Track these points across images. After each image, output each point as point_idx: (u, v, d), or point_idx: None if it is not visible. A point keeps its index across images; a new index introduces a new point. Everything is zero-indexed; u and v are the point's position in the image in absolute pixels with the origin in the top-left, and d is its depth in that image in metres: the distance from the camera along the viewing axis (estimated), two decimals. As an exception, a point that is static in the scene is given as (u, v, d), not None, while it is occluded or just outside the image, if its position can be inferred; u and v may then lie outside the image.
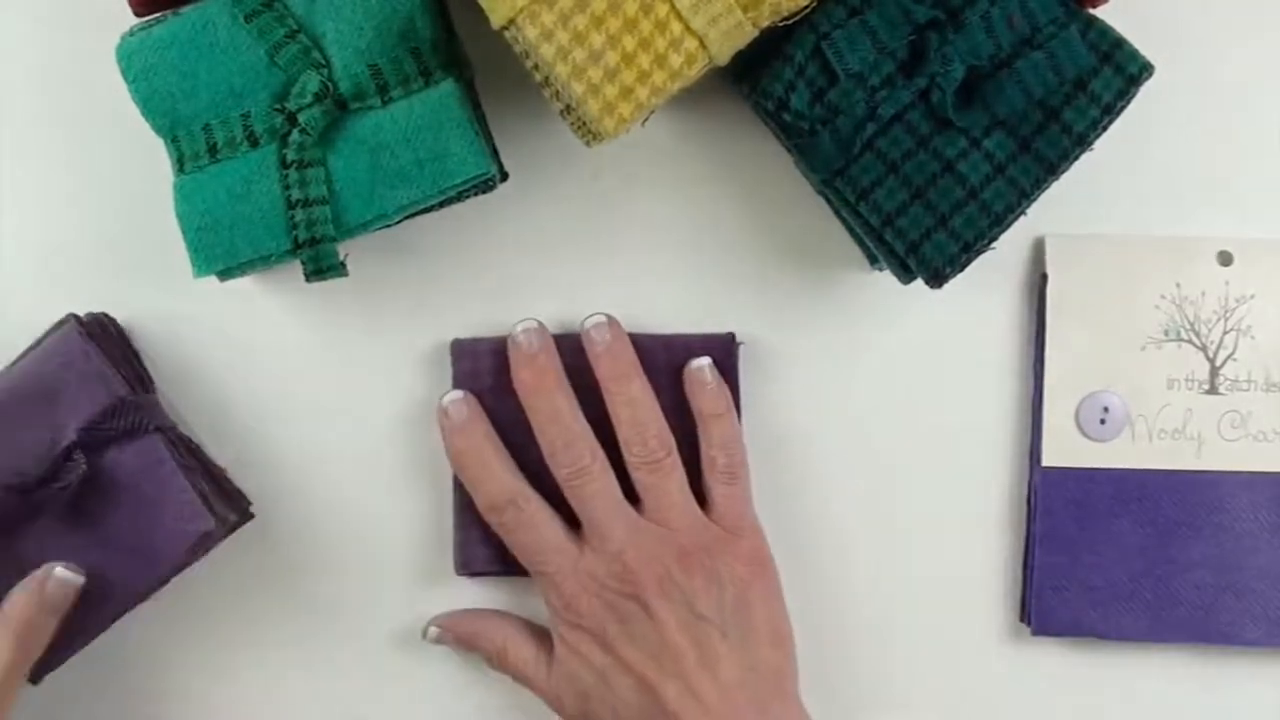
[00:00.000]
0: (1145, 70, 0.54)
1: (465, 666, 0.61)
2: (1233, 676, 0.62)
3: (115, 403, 0.55)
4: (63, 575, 0.54)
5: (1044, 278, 0.61)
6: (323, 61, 0.52)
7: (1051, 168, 0.54)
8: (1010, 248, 0.61)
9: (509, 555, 0.58)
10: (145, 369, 0.60)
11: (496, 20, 0.49)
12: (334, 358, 0.60)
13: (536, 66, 0.50)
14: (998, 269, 0.61)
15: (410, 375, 0.60)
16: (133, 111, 0.53)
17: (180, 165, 0.54)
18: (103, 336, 0.58)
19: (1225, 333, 0.60)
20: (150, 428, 0.56)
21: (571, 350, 0.59)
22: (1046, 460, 0.61)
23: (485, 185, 0.55)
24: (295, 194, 0.52)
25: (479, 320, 0.60)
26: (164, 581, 0.57)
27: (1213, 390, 0.60)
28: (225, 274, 0.55)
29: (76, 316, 0.58)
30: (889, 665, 0.62)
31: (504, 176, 0.57)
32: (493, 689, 0.61)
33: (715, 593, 0.56)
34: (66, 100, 0.59)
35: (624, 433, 0.57)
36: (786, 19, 0.51)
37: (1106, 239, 0.61)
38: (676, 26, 0.50)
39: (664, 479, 0.57)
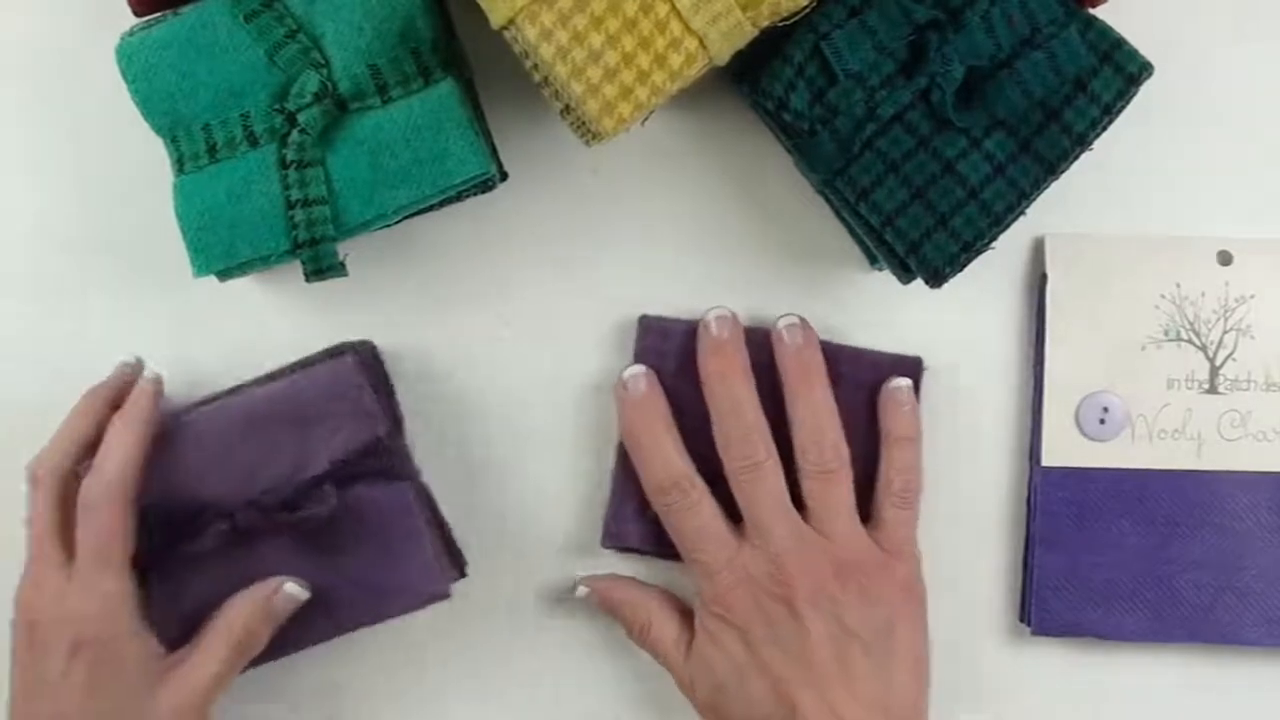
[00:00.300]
0: (1145, 70, 0.54)
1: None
2: (1233, 676, 0.62)
3: (374, 442, 0.56)
4: (291, 590, 0.55)
5: (1044, 278, 0.61)
6: (322, 61, 0.53)
7: (1051, 168, 0.54)
8: (1010, 248, 0.61)
9: (660, 535, 0.58)
10: (399, 407, 0.60)
11: (496, 20, 0.49)
12: (334, 358, 0.60)
13: (536, 66, 0.50)
14: (998, 269, 0.61)
15: (409, 372, 0.60)
16: (133, 111, 0.54)
17: (180, 165, 0.54)
18: (371, 370, 0.58)
19: (1225, 332, 0.60)
20: (402, 475, 0.57)
21: (755, 346, 0.58)
22: (1046, 460, 0.60)
23: (485, 185, 0.55)
24: (295, 194, 0.52)
25: (480, 319, 0.60)
26: (367, 624, 0.57)
27: (1213, 390, 0.60)
28: (225, 274, 0.55)
29: (355, 349, 0.58)
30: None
31: (504, 176, 0.57)
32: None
33: (866, 610, 0.56)
34: (67, 100, 0.59)
35: (801, 437, 0.57)
36: (786, 19, 0.51)
37: (1106, 239, 0.61)
38: (676, 26, 0.50)
39: (834, 489, 0.57)
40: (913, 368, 0.60)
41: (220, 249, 0.53)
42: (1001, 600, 0.62)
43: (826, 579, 0.55)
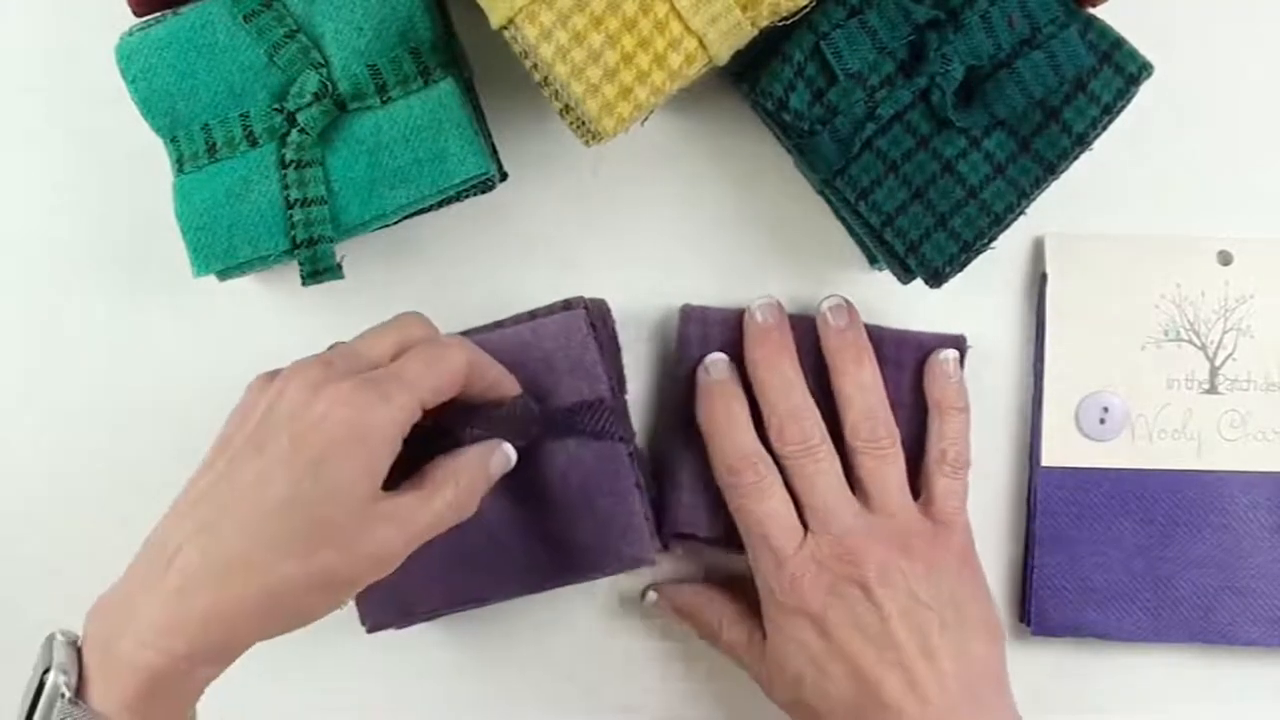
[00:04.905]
0: (1145, 70, 0.54)
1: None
2: (1233, 676, 0.62)
3: (594, 401, 0.55)
4: (508, 450, 0.52)
5: (1044, 278, 0.61)
6: (322, 61, 0.53)
7: (1051, 168, 0.54)
8: (1010, 248, 0.61)
9: (716, 521, 0.58)
10: (623, 370, 0.59)
11: (496, 20, 0.49)
12: (334, 357, 0.60)
13: (536, 66, 0.50)
14: (998, 269, 0.61)
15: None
16: (133, 111, 0.54)
17: (179, 165, 0.54)
18: (600, 329, 0.57)
19: (1225, 332, 0.60)
20: (616, 436, 0.56)
21: (795, 334, 0.59)
22: (1046, 460, 0.60)
23: (484, 185, 0.55)
24: (294, 194, 0.53)
25: (478, 320, 0.60)
26: (565, 584, 0.57)
27: (1213, 390, 0.60)
28: (224, 273, 0.55)
29: (586, 303, 0.58)
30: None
31: (503, 176, 0.57)
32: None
33: (935, 583, 0.55)
34: (66, 100, 0.59)
35: (852, 417, 0.57)
36: (786, 19, 0.51)
37: (1106, 239, 0.61)
38: (676, 26, 0.50)
39: (888, 467, 0.57)
40: (956, 344, 0.60)
41: (220, 249, 0.53)
42: (1001, 600, 0.62)
43: (893, 554, 0.55)
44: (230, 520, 0.46)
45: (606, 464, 0.56)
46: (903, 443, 0.58)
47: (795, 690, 0.56)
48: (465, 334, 0.58)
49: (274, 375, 0.50)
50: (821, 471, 0.56)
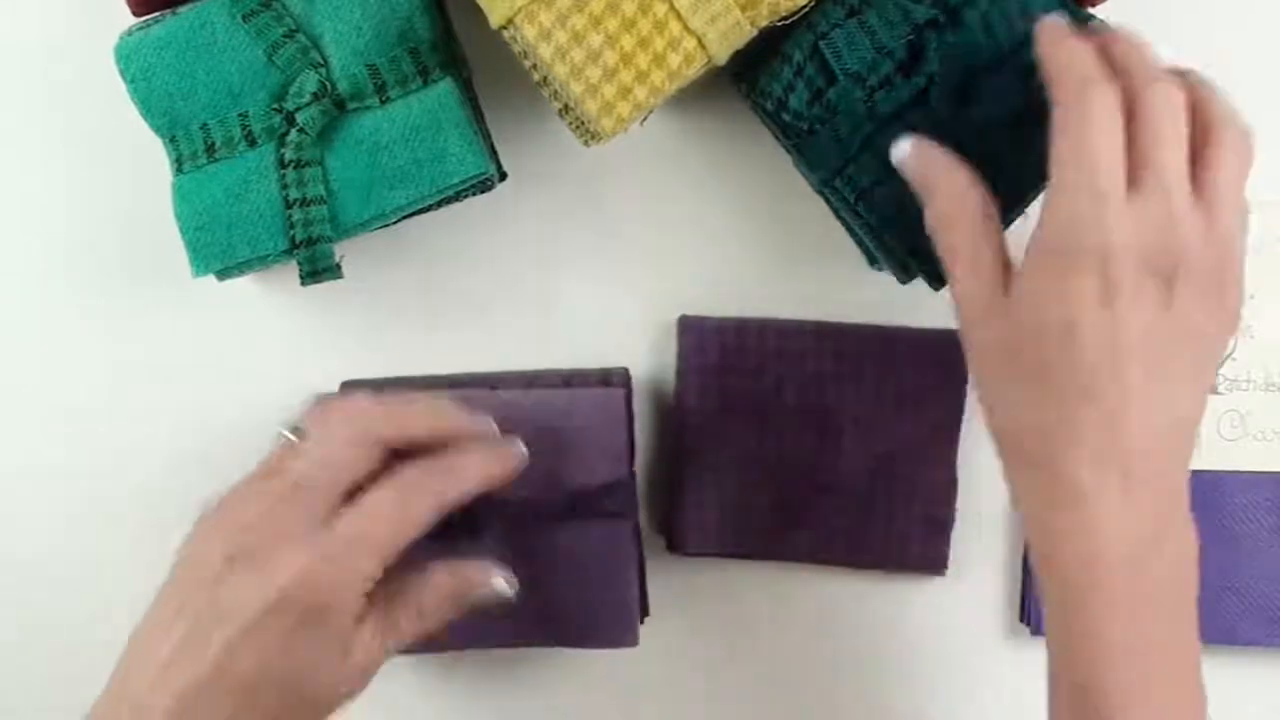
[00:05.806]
0: (1144, 70, 0.54)
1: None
2: (1233, 676, 0.62)
3: (613, 483, 0.56)
4: (499, 588, 0.53)
5: (1044, 277, 0.60)
6: (321, 61, 0.53)
7: (1051, 167, 0.54)
8: (1010, 248, 0.60)
9: (728, 535, 0.59)
10: (635, 441, 0.59)
11: (495, 20, 0.49)
12: (334, 357, 0.60)
13: (535, 66, 0.50)
14: (998, 269, 0.61)
15: (408, 372, 0.60)
16: (132, 111, 0.54)
17: (179, 165, 0.54)
18: (629, 405, 0.58)
19: (1225, 332, 0.60)
20: (626, 515, 0.57)
21: (796, 342, 0.59)
22: (1046, 460, 0.60)
23: (484, 185, 0.55)
24: (293, 194, 0.53)
25: (478, 320, 0.60)
26: (552, 645, 0.58)
27: (1212, 390, 0.60)
28: (224, 273, 0.55)
29: (627, 379, 0.58)
30: (890, 665, 0.62)
31: (502, 176, 0.57)
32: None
33: (1215, 318, 0.48)
34: (67, 100, 0.59)
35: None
36: (785, 19, 0.51)
37: (1106, 239, 0.61)
38: (675, 26, 0.50)
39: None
40: (955, 339, 0.59)
41: (219, 248, 0.53)
42: (1001, 600, 0.62)
43: (1205, 277, 0.46)
44: None
45: (610, 545, 0.56)
46: (896, 440, 0.58)
47: (1035, 340, 0.46)
48: (502, 379, 0.59)
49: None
50: (1174, 107, 0.45)
